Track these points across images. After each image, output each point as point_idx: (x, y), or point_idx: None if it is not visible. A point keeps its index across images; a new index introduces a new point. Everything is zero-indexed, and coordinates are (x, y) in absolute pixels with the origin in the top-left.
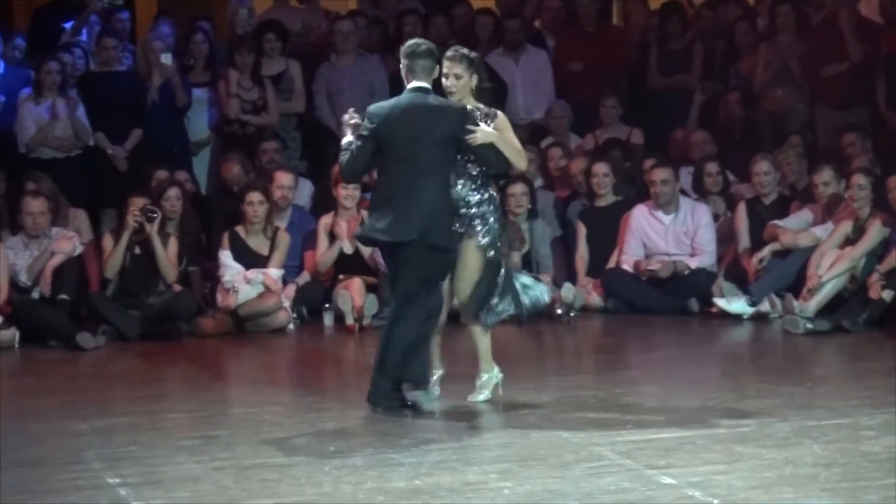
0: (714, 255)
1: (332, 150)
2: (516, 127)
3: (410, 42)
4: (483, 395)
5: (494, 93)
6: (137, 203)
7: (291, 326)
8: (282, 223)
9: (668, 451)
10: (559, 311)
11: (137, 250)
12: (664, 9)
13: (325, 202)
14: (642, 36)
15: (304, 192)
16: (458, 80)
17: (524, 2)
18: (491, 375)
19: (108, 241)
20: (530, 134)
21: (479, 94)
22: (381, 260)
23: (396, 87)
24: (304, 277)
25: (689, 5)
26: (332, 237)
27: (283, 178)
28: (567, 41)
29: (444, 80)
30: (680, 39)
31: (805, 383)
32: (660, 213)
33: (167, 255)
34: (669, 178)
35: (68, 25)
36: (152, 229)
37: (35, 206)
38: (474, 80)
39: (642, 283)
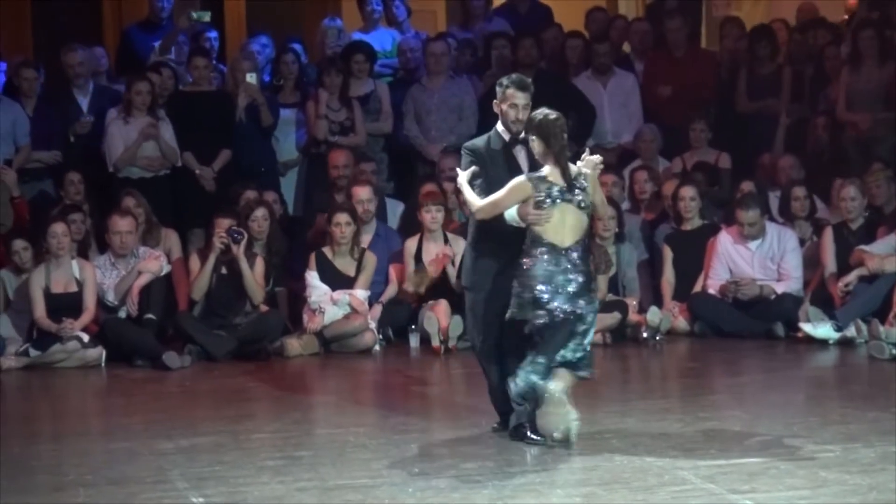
0: (800, 280)
1: (419, 170)
2: (605, 150)
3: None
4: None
5: (581, 116)
6: (223, 224)
7: (377, 348)
8: (367, 236)
9: (752, 476)
10: (645, 335)
11: (224, 270)
12: (755, 32)
13: (412, 223)
14: (732, 59)
15: (395, 212)
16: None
17: (612, 25)
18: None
19: (194, 261)
20: (618, 157)
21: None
22: None
23: (485, 109)
24: (390, 292)
25: (784, 28)
26: (419, 261)
27: (361, 192)
28: (656, 65)
29: (510, 110)
30: (769, 63)
31: (891, 409)
32: (746, 240)
33: (254, 275)
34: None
35: (156, 44)
36: (239, 251)
37: (123, 225)
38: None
39: (728, 307)
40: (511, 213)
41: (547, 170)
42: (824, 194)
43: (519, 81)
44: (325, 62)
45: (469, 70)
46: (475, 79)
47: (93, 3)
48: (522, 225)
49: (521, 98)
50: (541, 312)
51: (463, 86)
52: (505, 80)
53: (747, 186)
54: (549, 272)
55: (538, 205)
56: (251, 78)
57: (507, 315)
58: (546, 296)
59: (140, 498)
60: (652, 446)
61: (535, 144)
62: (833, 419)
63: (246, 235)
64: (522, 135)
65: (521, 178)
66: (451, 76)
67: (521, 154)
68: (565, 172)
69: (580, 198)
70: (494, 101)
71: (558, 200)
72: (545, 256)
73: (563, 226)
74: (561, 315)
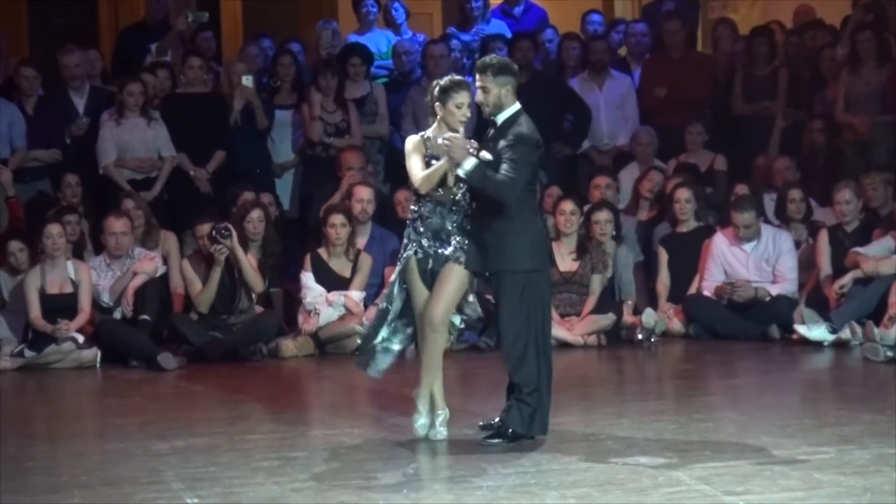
0: (795, 283)
1: None
2: (601, 153)
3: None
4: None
5: (577, 118)
6: (203, 230)
7: None
8: (362, 238)
9: (747, 478)
10: (640, 337)
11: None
12: (752, 34)
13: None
14: (728, 61)
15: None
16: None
17: (611, 29)
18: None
19: (186, 268)
20: (614, 159)
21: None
22: None
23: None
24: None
25: (780, 30)
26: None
27: (363, 192)
28: (652, 67)
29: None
30: (766, 66)
31: (885, 411)
32: (741, 242)
33: (250, 266)
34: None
35: (153, 46)
36: (233, 244)
37: (118, 227)
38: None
39: (723, 309)
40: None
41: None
42: (820, 197)
43: (477, 64)
44: (321, 64)
45: (468, 72)
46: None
47: (89, 5)
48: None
49: (477, 80)
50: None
51: None
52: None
53: (741, 189)
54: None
55: (427, 163)
56: (247, 80)
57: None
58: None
59: (135, 499)
60: (646, 448)
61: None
62: (828, 421)
63: (232, 228)
64: (496, 118)
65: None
66: None
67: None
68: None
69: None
70: None
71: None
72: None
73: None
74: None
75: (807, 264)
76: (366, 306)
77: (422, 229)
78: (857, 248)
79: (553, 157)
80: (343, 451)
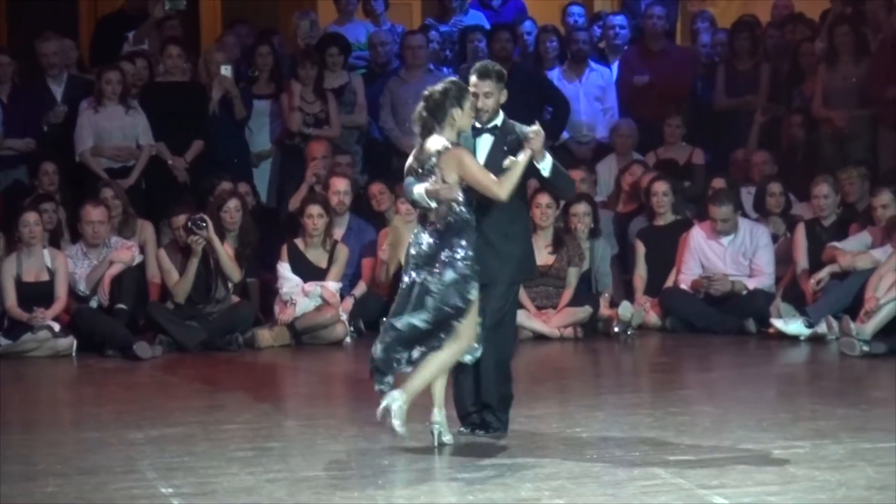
0: (772, 277)
1: (393, 163)
2: (579, 144)
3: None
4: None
5: (556, 110)
6: (179, 221)
7: (348, 340)
8: (340, 229)
9: (722, 471)
10: (616, 330)
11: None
12: (734, 29)
13: (375, 217)
14: (708, 55)
15: None
16: (489, 98)
17: (593, 22)
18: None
19: (163, 257)
20: (593, 151)
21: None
22: None
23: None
24: (362, 287)
25: (758, 24)
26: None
27: (339, 184)
28: (632, 58)
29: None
30: (748, 60)
31: (860, 406)
32: (718, 235)
33: (228, 253)
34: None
35: (130, 35)
36: (210, 234)
37: (95, 215)
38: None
39: (700, 302)
40: (419, 192)
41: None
42: (799, 191)
43: (481, 69)
44: (300, 54)
45: (446, 63)
46: (452, 72)
47: None
48: (432, 205)
49: (482, 86)
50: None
51: (440, 79)
52: (472, 68)
53: (718, 183)
54: (411, 243)
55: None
56: (225, 70)
57: None
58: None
59: (110, 488)
60: (622, 441)
61: None
62: (803, 415)
63: (207, 219)
64: (491, 124)
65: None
66: (429, 69)
67: (486, 143)
68: (421, 148)
69: (430, 177)
70: None
71: (419, 173)
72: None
73: None
74: (404, 284)
75: (784, 258)
76: (342, 297)
77: (465, 242)
78: (835, 243)
79: None
80: (318, 441)
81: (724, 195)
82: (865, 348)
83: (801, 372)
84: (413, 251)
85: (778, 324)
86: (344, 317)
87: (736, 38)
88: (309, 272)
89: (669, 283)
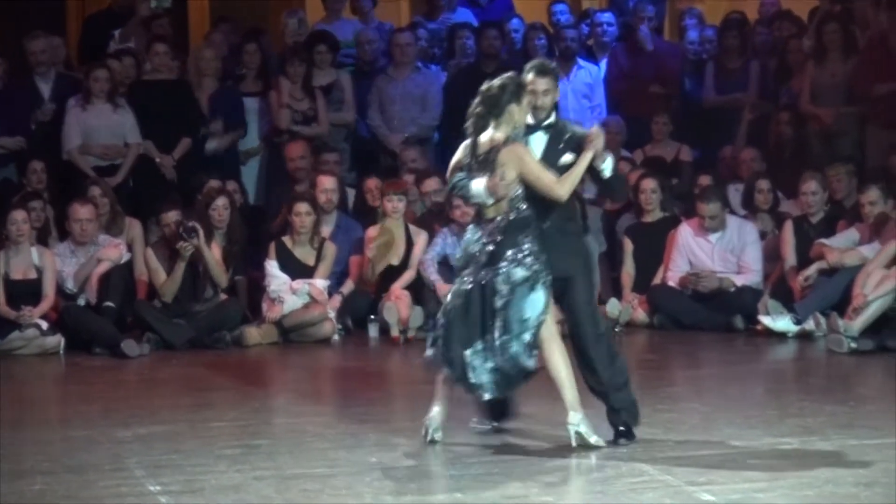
0: (760, 273)
1: (381, 161)
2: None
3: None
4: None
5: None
6: (169, 217)
7: (336, 337)
8: (327, 227)
9: (709, 468)
10: None
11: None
12: (724, 27)
13: (363, 212)
14: (697, 52)
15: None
16: (546, 96)
17: (581, 19)
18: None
19: (150, 256)
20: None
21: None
22: (431, 275)
23: (448, 100)
24: (349, 285)
25: (746, 21)
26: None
27: (326, 182)
28: (620, 56)
29: (530, 96)
30: (737, 57)
31: (848, 402)
32: (707, 232)
33: (216, 260)
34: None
35: (117, 33)
36: (200, 243)
37: (83, 213)
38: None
39: (688, 299)
40: (479, 190)
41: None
42: (787, 188)
43: (539, 66)
44: (289, 52)
45: (435, 61)
46: (440, 70)
47: None
48: (489, 201)
49: (540, 84)
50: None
51: (429, 77)
52: (527, 66)
53: (705, 180)
54: (466, 241)
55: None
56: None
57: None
58: (458, 264)
59: (97, 486)
60: (610, 438)
61: None
62: (791, 412)
63: (199, 228)
64: (547, 121)
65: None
66: (417, 67)
67: (539, 141)
68: (475, 144)
69: (488, 171)
70: None
71: (473, 168)
72: (470, 227)
73: None
74: (468, 284)
75: (772, 255)
76: (330, 294)
77: (529, 238)
78: (822, 240)
79: None
80: (306, 439)
81: (711, 192)
82: (853, 345)
83: (789, 369)
84: (473, 250)
85: (766, 321)
86: (332, 314)
87: (725, 36)
88: (297, 270)
89: (657, 280)
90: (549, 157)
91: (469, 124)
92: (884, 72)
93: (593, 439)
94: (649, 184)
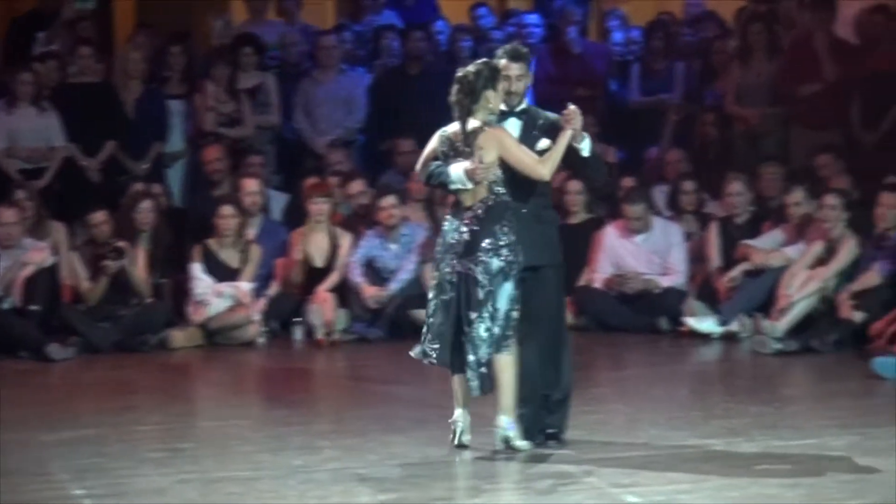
0: (685, 275)
1: (306, 163)
2: None
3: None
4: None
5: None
6: (96, 218)
7: (261, 340)
8: (252, 230)
9: (634, 470)
10: None
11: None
12: (650, 28)
13: (297, 215)
14: (622, 53)
15: (280, 204)
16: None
17: (504, 20)
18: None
19: (75, 261)
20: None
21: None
22: (356, 278)
23: (374, 102)
24: (274, 288)
25: (673, 22)
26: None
27: (251, 185)
28: (546, 57)
29: (503, 81)
30: (663, 59)
31: (773, 403)
32: (632, 234)
33: (139, 271)
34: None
35: (40, 35)
36: (126, 265)
37: (8, 217)
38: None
39: (613, 300)
40: (458, 175)
41: (452, 126)
42: (712, 189)
43: (512, 51)
44: (214, 54)
45: (360, 63)
46: (365, 72)
47: None
48: (469, 186)
49: (514, 69)
50: (434, 274)
51: (354, 79)
52: (499, 52)
53: (628, 182)
54: (443, 232)
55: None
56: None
57: None
58: (437, 255)
59: (22, 490)
60: (534, 439)
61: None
62: (716, 413)
63: (125, 250)
64: (519, 108)
65: (437, 133)
66: (342, 69)
67: (513, 127)
68: (462, 128)
69: (473, 156)
70: None
71: (450, 156)
72: (448, 217)
73: None
74: (448, 275)
75: (697, 257)
76: (255, 297)
77: (506, 228)
78: (747, 241)
79: None
80: (231, 442)
81: (637, 194)
82: (778, 346)
83: (714, 370)
84: (451, 239)
85: (691, 322)
86: (257, 317)
87: (651, 37)
88: (222, 273)
89: (583, 281)
90: (525, 143)
91: (455, 112)
92: (808, 73)
93: (520, 443)
94: (574, 185)
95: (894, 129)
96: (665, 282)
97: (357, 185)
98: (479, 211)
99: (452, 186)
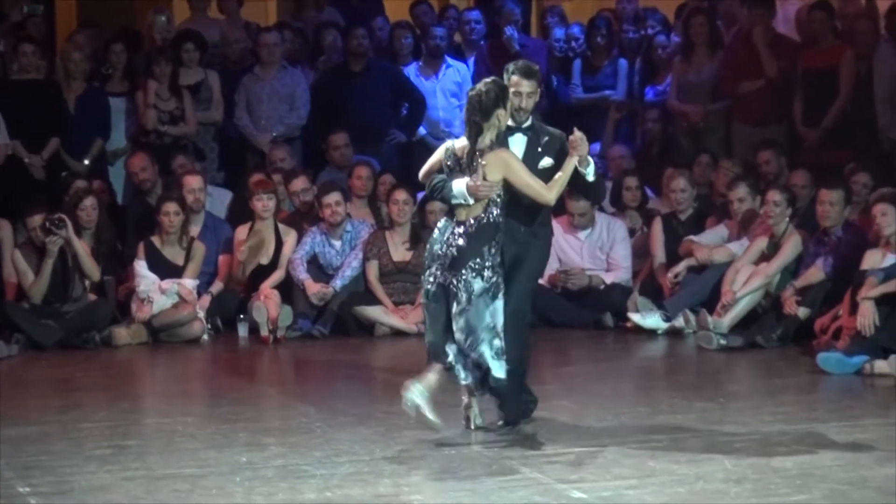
0: (629, 271)
1: (248, 160)
2: (437, 140)
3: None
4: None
5: (412, 106)
6: (35, 221)
7: (206, 337)
8: (195, 227)
9: (580, 466)
10: None
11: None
12: (591, 23)
13: (241, 212)
14: (562, 50)
15: (224, 202)
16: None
17: (442, 16)
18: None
19: (18, 258)
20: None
21: None
22: (300, 275)
23: (316, 99)
24: (218, 285)
25: (615, 19)
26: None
27: (193, 182)
28: (487, 56)
29: (514, 98)
30: (605, 55)
31: (718, 399)
32: (576, 230)
33: (86, 250)
34: (587, 212)
35: None
36: (69, 234)
37: None
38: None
39: (557, 297)
40: (459, 190)
41: (461, 140)
42: (655, 185)
43: (524, 68)
44: (155, 51)
45: (301, 60)
46: (307, 69)
47: None
48: (471, 202)
49: (525, 86)
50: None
51: (295, 76)
52: (511, 67)
53: None
54: (432, 238)
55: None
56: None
57: None
58: (424, 261)
59: None
60: (480, 436)
61: None
62: (661, 409)
63: (66, 219)
64: (525, 124)
65: (443, 145)
66: (283, 66)
67: (519, 143)
68: (470, 146)
69: (475, 173)
70: None
71: (454, 171)
72: (439, 225)
73: None
74: (430, 285)
75: (641, 252)
76: (199, 294)
77: (493, 250)
78: (691, 237)
79: (387, 144)
80: (176, 439)
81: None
82: (722, 342)
83: (659, 366)
84: (439, 249)
85: (635, 318)
86: (201, 314)
87: (592, 34)
88: (166, 270)
89: None
90: (529, 160)
91: (466, 130)
92: (749, 69)
93: (430, 416)
94: None
95: (836, 125)
96: (609, 278)
97: (300, 182)
98: (471, 228)
99: (454, 201)
